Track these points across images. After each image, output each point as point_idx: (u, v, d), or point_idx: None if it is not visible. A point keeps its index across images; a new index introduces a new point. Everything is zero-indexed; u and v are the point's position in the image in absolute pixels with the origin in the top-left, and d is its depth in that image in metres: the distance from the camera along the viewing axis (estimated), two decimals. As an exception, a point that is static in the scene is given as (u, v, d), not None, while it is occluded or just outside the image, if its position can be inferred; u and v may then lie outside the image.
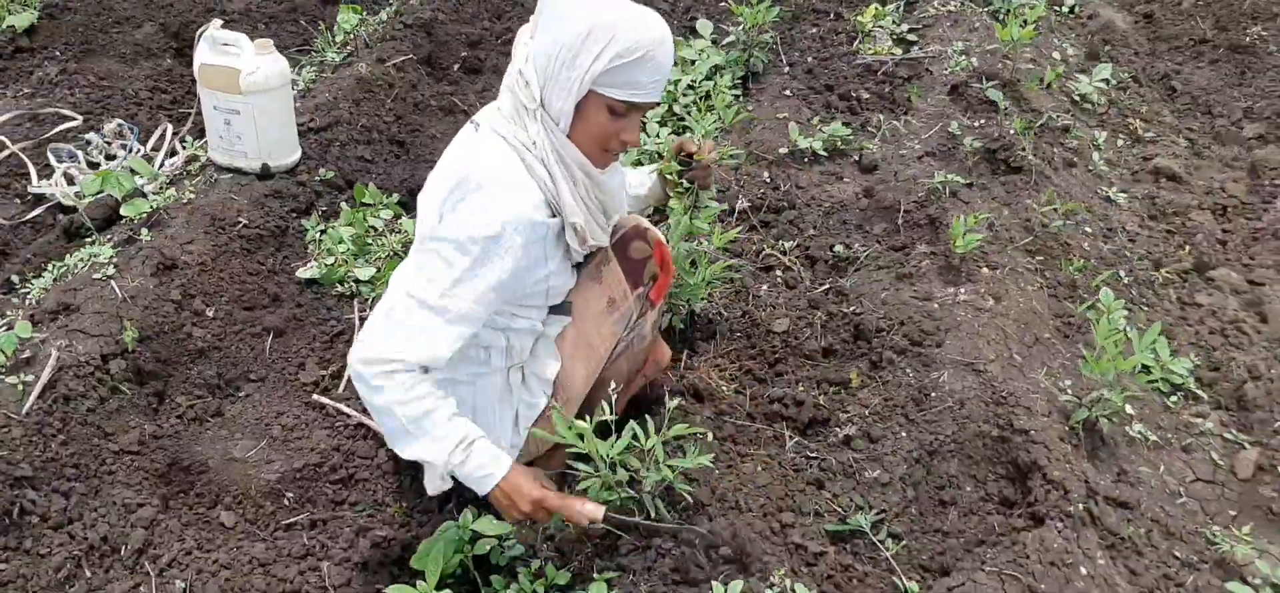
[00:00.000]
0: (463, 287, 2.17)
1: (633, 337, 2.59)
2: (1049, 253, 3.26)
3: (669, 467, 2.28)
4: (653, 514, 2.29)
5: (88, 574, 2.46)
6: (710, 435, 2.62)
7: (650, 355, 2.70)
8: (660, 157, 3.28)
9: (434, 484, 2.37)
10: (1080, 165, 3.83)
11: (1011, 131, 3.67)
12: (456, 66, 4.46)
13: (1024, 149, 3.60)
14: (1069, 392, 2.70)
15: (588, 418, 2.25)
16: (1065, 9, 5.09)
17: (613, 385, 2.39)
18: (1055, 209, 3.39)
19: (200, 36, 3.62)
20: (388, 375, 2.18)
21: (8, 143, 3.99)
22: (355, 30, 4.49)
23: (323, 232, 3.50)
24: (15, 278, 3.34)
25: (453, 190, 2.20)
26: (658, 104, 2.47)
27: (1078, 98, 4.26)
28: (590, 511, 2.26)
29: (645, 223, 2.57)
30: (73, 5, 4.77)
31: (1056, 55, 4.49)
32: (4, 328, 2.84)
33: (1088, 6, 5.16)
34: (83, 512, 2.58)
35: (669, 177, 2.71)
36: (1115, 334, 2.54)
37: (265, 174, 3.62)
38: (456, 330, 2.20)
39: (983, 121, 3.78)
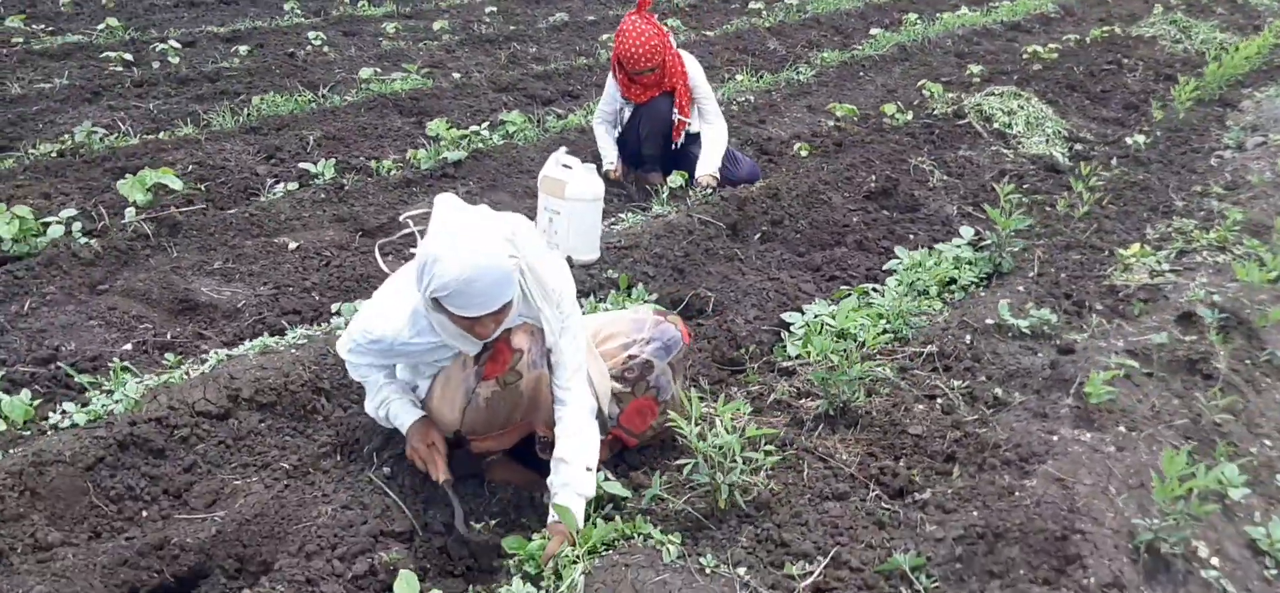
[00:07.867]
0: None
1: (473, 395, 3.05)
2: (1203, 438, 3.41)
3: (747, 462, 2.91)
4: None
5: None
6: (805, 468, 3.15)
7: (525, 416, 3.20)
8: None
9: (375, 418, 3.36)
10: (1285, 399, 3.87)
11: (1215, 347, 3.84)
12: (757, 237, 5.31)
13: (1220, 362, 3.76)
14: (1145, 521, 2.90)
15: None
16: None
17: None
18: (1227, 412, 3.51)
19: (551, 159, 4.83)
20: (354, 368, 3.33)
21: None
22: (682, 195, 5.55)
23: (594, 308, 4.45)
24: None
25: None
26: (496, 312, 2.78)
27: (1316, 346, 4.24)
28: (438, 475, 3.17)
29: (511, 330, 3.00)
30: (492, 155, 6.31)
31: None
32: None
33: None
34: None
35: None
36: (1190, 470, 2.74)
37: (569, 263, 4.66)
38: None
39: (1194, 338, 3.96)
